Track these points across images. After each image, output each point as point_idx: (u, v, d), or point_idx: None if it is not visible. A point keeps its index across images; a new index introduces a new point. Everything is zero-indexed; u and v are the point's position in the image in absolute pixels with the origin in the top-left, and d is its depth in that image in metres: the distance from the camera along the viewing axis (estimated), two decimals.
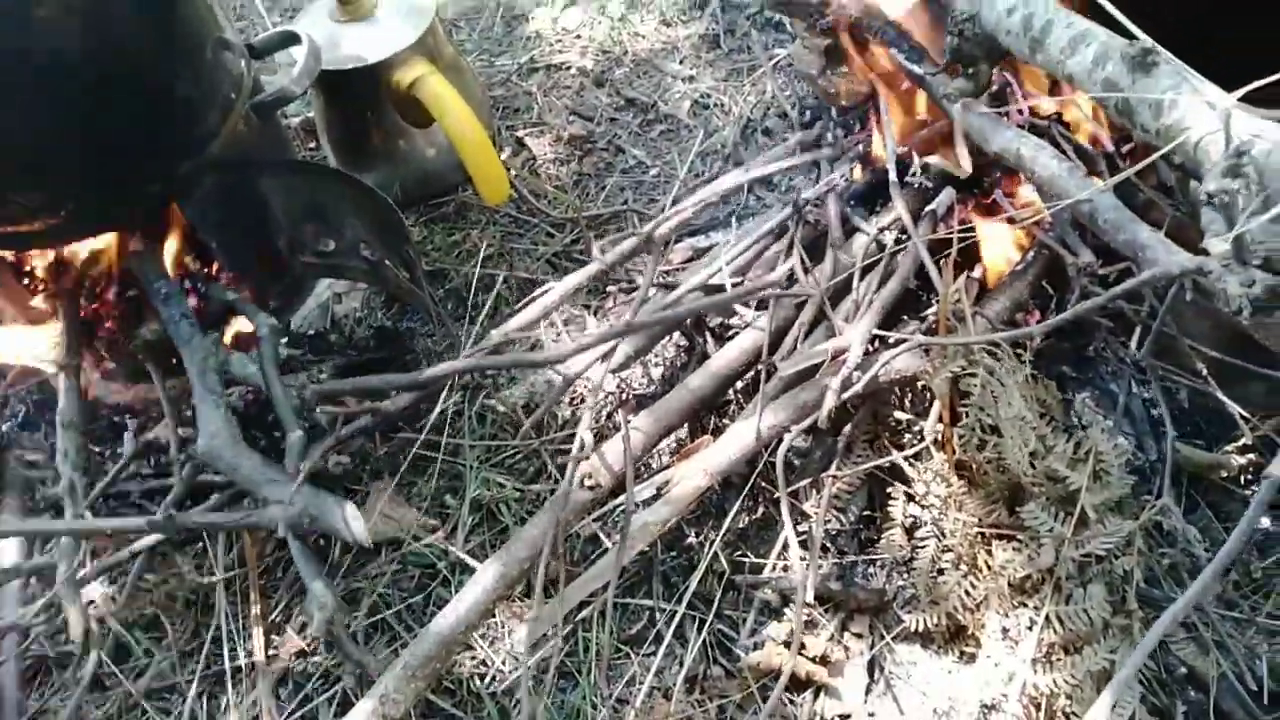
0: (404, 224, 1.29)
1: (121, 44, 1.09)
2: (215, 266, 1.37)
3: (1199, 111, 0.87)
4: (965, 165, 1.13)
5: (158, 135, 1.17)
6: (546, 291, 1.32)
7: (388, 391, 1.24)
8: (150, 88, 1.14)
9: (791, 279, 1.23)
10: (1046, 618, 0.97)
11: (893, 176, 1.27)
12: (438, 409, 1.41)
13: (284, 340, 1.40)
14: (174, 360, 1.24)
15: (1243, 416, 1.02)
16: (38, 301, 1.31)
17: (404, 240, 1.30)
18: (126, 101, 1.11)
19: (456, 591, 1.07)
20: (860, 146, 1.38)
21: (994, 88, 1.18)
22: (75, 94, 1.05)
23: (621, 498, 1.15)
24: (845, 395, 1.07)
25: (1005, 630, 1.01)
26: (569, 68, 1.97)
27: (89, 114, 1.08)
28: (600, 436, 1.23)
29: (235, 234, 1.33)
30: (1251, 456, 1.12)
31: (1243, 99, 0.82)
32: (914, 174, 1.27)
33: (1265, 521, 1.13)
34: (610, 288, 1.52)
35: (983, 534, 1.06)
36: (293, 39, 1.40)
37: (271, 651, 1.21)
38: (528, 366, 1.31)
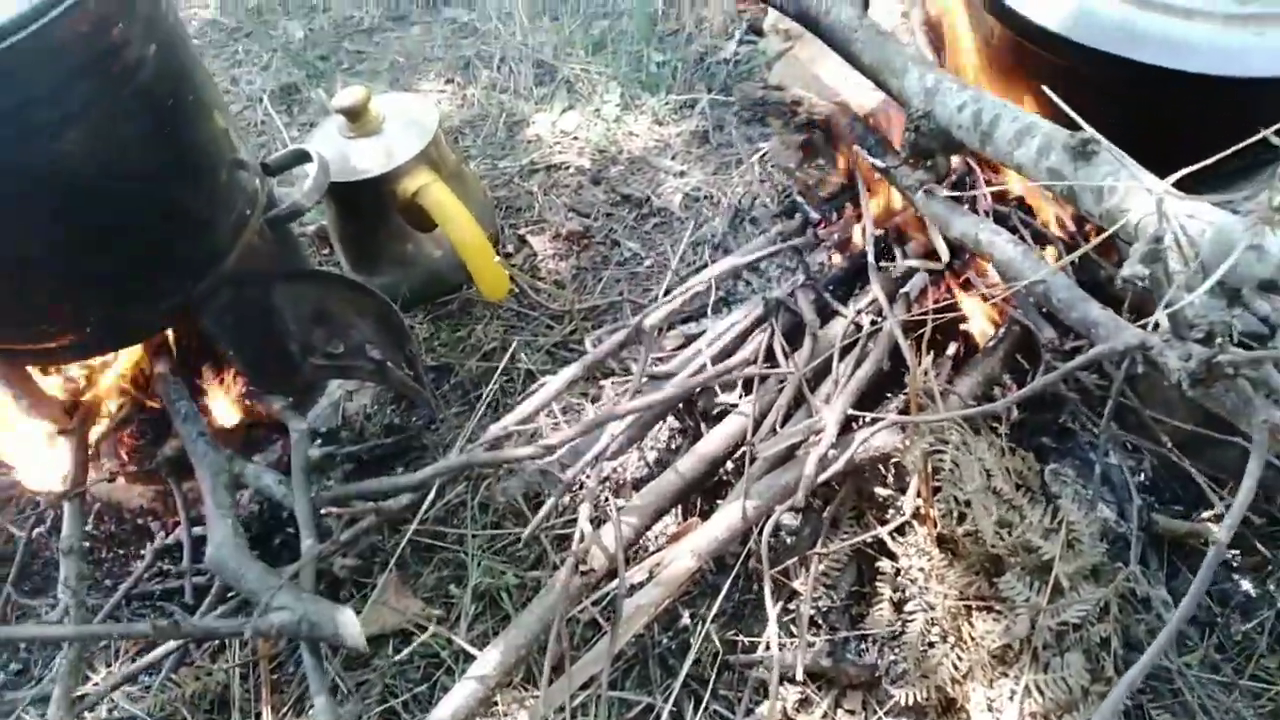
0: (405, 324, 1.37)
1: (139, 169, 1.16)
2: (232, 373, 1.45)
3: (1136, 195, 0.93)
4: (943, 253, 1.19)
5: (175, 253, 1.25)
6: (543, 385, 1.38)
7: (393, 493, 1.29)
8: (167, 209, 1.21)
9: (771, 362, 1.29)
10: (1026, 687, 0.99)
11: (870, 260, 1.33)
12: (443, 500, 1.46)
13: (317, 442, 1.47)
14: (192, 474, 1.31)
15: (1212, 485, 1.05)
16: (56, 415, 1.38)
17: (405, 339, 1.38)
18: (144, 223, 1.19)
19: (460, 680, 1.10)
20: (837, 235, 1.45)
21: (954, 176, 1.25)
22: (95, 218, 1.12)
23: (616, 581, 1.19)
24: (824, 475, 1.11)
25: (990, 701, 1.03)
26: (568, 167, 2.07)
27: (109, 236, 1.15)
28: (597, 521, 1.28)
29: (251, 342, 1.41)
30: (1214, 529, 1.15)
31: (1176, 184, 0.89)
32: (900, 251, 1.33)
33: (1247, 585, 1.15)
34: (605, 381, 1.58)
35: (966, 606, 1.08)
36: (304, 157, 1.50)
37: None
38: (518, 460, 1.36)
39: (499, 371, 1.63)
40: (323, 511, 1.22)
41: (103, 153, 1.09)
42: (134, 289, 1.23)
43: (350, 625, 1.02)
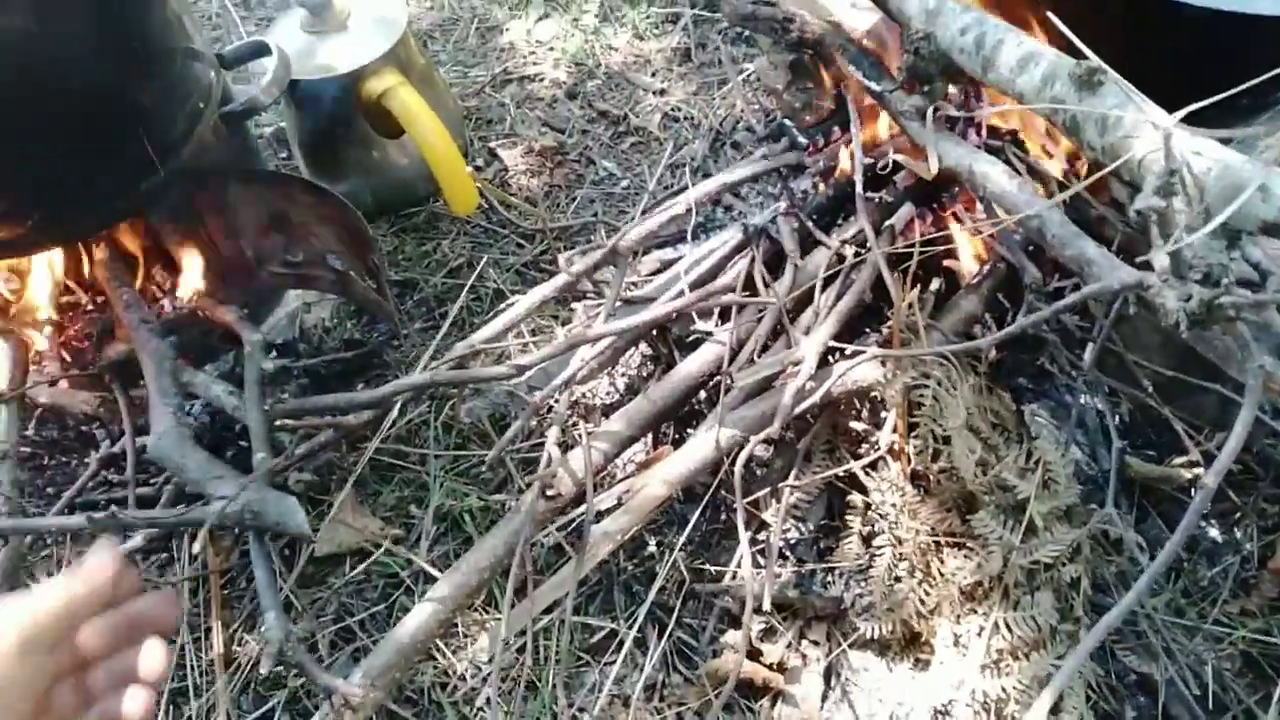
0: (369, 232, 1.30)
1: (86, 54, 1.09)
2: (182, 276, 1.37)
3: (1142, 130, 0.89)
4: (934, 166, 1.14)
5: (124, 145, 1.17)
6: (512, 305, 1.33)
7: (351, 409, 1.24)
8: (116, 98, 1.14)
9: (751, 290, 1.25)
10: (995, 624, 0.98)
11: (859, 189, 1.29)
12: (405, 419, 1.42)
13: (271, 354, 1.41)
14: (139, 380, 1.24)
15: (1189, 431, 1.04)
16: None
17: (369, 248, 1.31)
18: (91, 112, 1.12)
19: (420, 601, 1.08)
20: (823, 162, 1.40)
21: (952, 102, 1.20)
22: (39, 105, 1.05)
23: (583, 507, 1.16)
24: (801, 406, 1.08)
25: (956, 637, 1.03)
26: (542, 79, 1.98)
27: (53, 125, 1.08)
28: (565, 446, 1.25)
29: (202, 244, 1.34)
30: (1199, 470, 1.15)
31: (1185, 119, 0.85)
32: (883, 168, 1.29)
33: (1214, 532, 1.15)
34: (576, 304, 1.54)
35: (936, 542, 1.08)
36: (263, 50, 1.41)
37: (232, 658, 1.21)
38: (485, 380, 1.32)
39: (466, 289, 1.57)
40: (277, 424, 1.17)
41: (43, 37, 1.02)
42: (79, 183, 1.15)
43: (294, 513, 0.98)
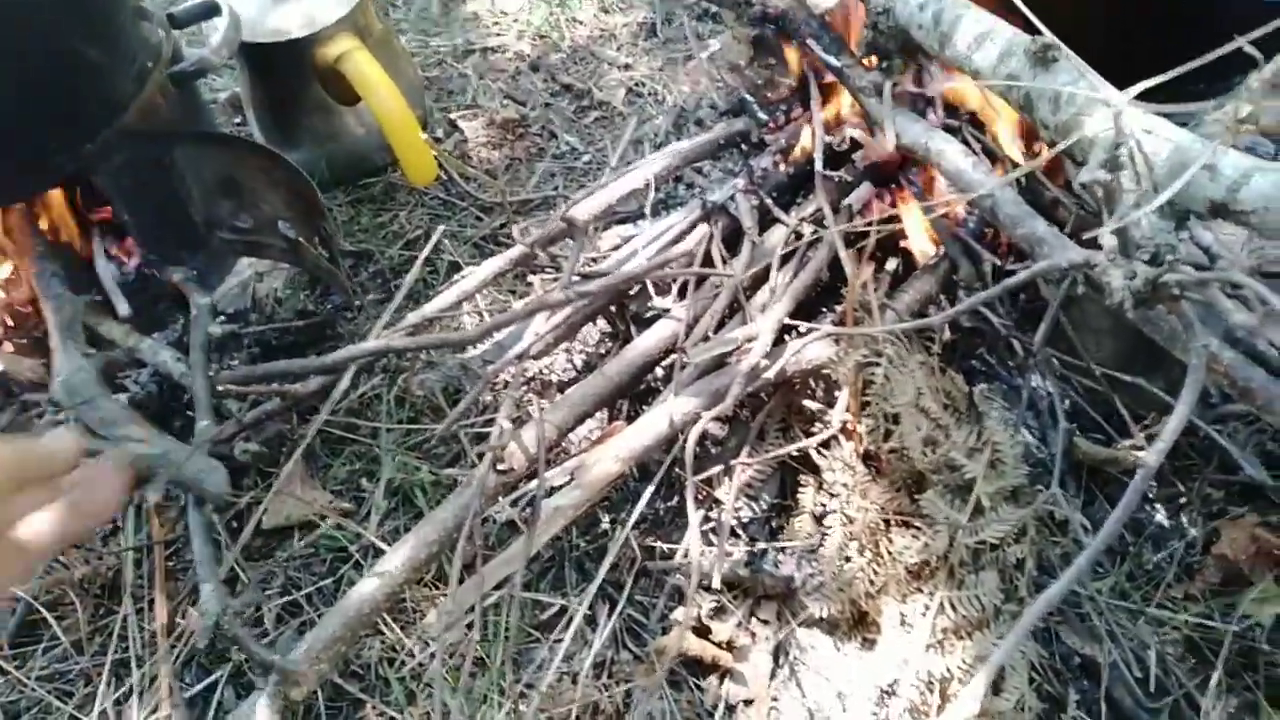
0: (320, 199, 1.27)
1: (28, 6, 1.05)
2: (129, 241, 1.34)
3: (1094, 108, 0.89)
4: (890, 143, 1.13)
5: (68, 103, 1.14)
6: (468, 275, 1.31)
7: (301, 375, 1.22)
8: (59, 54, 1.10)
9: (708, 265, 1.24)
10: (941, 604, 0.99)
11: (818, 167, 1.28)
12: (357, 392, 1.39)
13: (219, 319, 1.38)
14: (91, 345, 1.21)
15: (1135, 416, 1.05)
16: None
17: (320, 216, 1.28)
18: (34, 68, 1.08)
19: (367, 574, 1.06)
20: (784, 140, 1.39)
21: (908, 77, 1.19)
22: None
23: (535, 482, 1.15)
24: (754, 383, 1.08)
25: (902, 616, 1.03)
26: (505, 51, 1.95)
27: None
28: (519, 421, 1.23)
29: (149, 207, 1.30)
30: (1140, 454, 1.16)
31: (1137, 98, 0.85)
32: (841, 143, 1.28)
33: (1160, 517, 1.17)
34: (533, 278, 1.52)
35: (886, 521, 1.08)
36: (214, 10, 1.38)
37: (175, 629, 1.19)
38: (440, 347, 1.30)
39: (421, 261, 1.54)
40: (224, 392, 1.14)
41: None
42: (20, 140, 1.12)
43: (217, 474, 0.96)
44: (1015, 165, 1.18)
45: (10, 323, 1.35)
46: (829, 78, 1.33)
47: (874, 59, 1.18)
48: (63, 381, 1.04)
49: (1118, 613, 1.09)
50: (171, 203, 1.32)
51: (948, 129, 1.19)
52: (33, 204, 1.27)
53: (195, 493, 1.01)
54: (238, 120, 1.81)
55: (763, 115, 1.39)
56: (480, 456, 1.14)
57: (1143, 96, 0.82)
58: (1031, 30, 0.93)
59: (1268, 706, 1.01)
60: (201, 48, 1.59)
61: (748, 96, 1.40)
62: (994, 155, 1.21)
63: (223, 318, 1.43)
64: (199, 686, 1.16)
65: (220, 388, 1.12)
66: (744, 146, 1.42)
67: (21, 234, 1.21)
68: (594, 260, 1.50)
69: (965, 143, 1.12)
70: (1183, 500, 1.16)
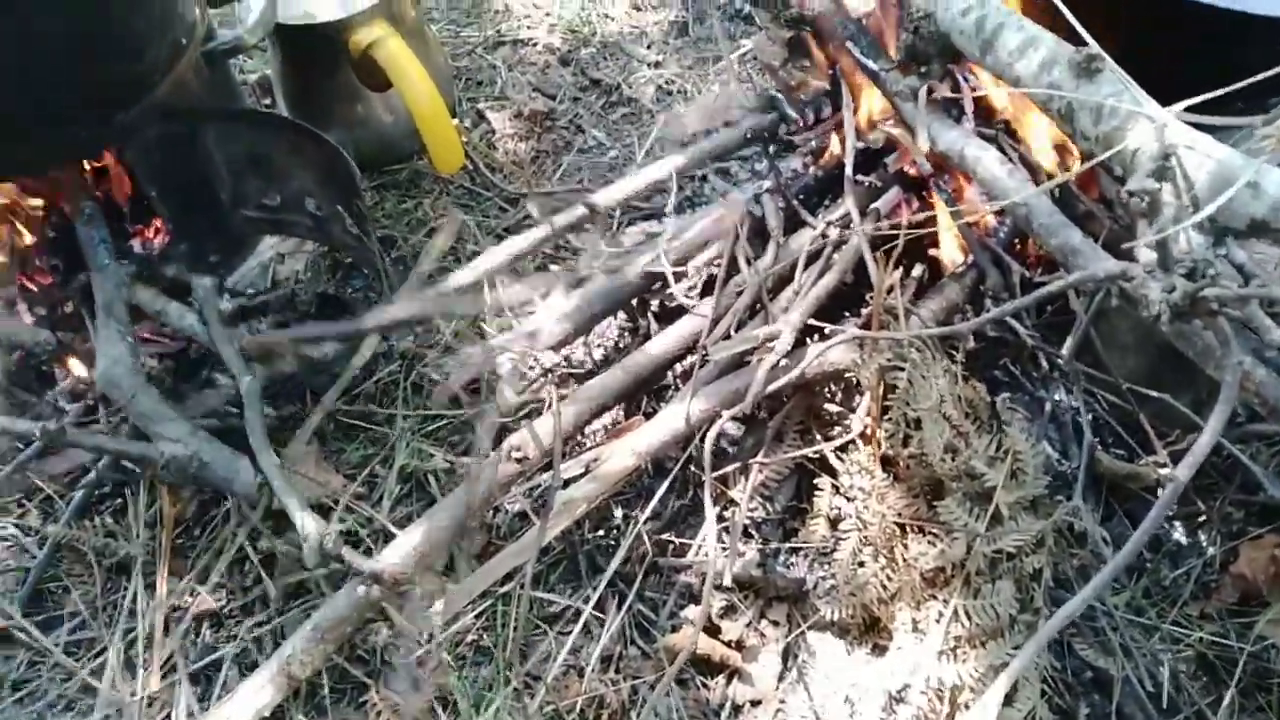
0: (355, 174, 1.27)
1: None
2: (155, 221, 1.34)
3: (1137, 121, 0.88)
4: (924, 147, 1.12)
5: (100, 76, 1.14)
6: (488, 254, 1.31)
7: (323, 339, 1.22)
8: (92, 25, 1.10)
9: (733, 268, 1.23)
10: (955, 612, 0.98)
11: (849, 171, 1.28)
12: (374, 378, 1.39)
13: (226, 295, 1.38)
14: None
15: (1159, 433, 1.04)
16: None
17: (354, 192, 1.28)
18: (65, 39, 1.08)
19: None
20: (814, 143, 1.39)
21: (945, 84, 1.19)
22: (11, 27, 1.01)
23: (550, 474, 1.15)
24: (775, 384, 1.07)
25: (915, 622, 1.02)
26: (536, 44, 1.95)
27: (27, 49, 1.04)
28: (537, 413, 1.23)
29: (176, 184, 1.30)
30: (1167, 470, 1.14)
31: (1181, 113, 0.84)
32: (875, 142, 1.27)
33: (1178, 534, 1.15)
34: (554, 267, 1.51)
35: (902, 526, 1.07)
36: None
37: (181, 609, 1.19)
38: (470, 314, 1.29)
39: (431, 236, 1.54)
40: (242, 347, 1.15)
41: None
42: (55, 111, 1.11)
43: (245, 473, 0.97)
44: (1051, 175, 1.17)
45: (33, 288, 1.35)
46: (861, 80, 1.33)
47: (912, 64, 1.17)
48: (101, 374, 1.04)
49: (1132, 628, 1.07)
50: (198, 180, 1.32)
51: (983, 137, 1.19)
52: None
53: (224, 491, 1.02)
54: (266, 102, 1.82)
55: (792, 113, 1.38)
56: (494, 444, 1.14)
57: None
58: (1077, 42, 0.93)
59: None
60: (235, 27, 1.60)
61: (778, 94, 1.40)
62: (1029, 164, 1.20)
63: (226, 295, 1.42)
64: (203, 662, 1.15)
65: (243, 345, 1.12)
66: (771, 148, 1.41)
67: (71, 197, 1.20)
68: (617, 257, 1.49)
69: (1001, 151, 1.11)
70: (1202, 518, 1.15)
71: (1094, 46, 0.91)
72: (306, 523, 0.98)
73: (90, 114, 1.15)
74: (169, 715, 1.11)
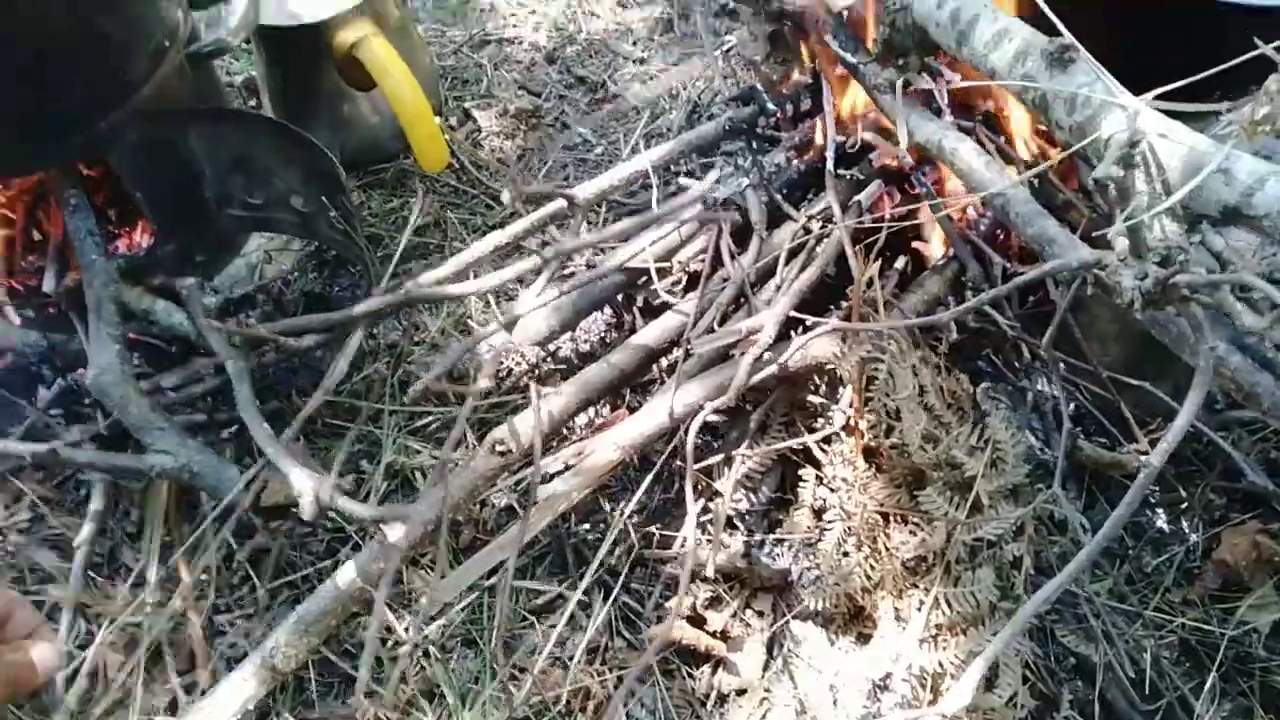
0: (340, 173, 1.27)
1: None
2: (141, 221, 1.35)
3: (1110, 110, 0.89)
4: (903, 140, 1.13)
5: (83, 79, 1.14)
6: (469, 248, 1.31)
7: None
8: (75, 29, 1.10)
9: (717, 262, 1.24)
10: (936, 599, 0.98)
11: (829, 165, 1.28)
12: (360, 375, 1.40)
13: (212, 291, 1.38)
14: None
15: (1140, 421, 1.05)
16: None
17: (339, 189, 1.28)
18: (51, 39, 1.08)
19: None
20: (797, 138, 1.39)
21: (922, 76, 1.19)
22: None
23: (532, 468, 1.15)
24: (757, 376, 1.08)
25: (898, 611, 1.03)
26: (521, 42, 1.96)
27: (8, 55, 1.05)
28: (522, 408, 1.23)
29: (161, 186, 1.31)
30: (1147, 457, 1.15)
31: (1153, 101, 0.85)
32: (852, 145, 1.28)
33: (1161, 522, 1.16)
34: (536, 259, 1.51)
35: (884, 515, 1.07)
36: None
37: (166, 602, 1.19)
38: (457, 298, 1.30)
39: (413, 221, 1.55)
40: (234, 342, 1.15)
41: None
42: (37, 115, 1.12)
43: (232, 482, 0.97)
44: (1029, 165, 1.18)
45: (19, 288, 1.35)
46: (842, 74, 1.33)
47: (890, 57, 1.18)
48: (91, 382, 1.04)
49: (1115, 615, 1.08)
50: (184, 181, 1.32)
51: (962, 129, 1.19)
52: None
53: (213, 498, 1.03)
54: (252, 103, 1.82)
55: (771, 105, 1.39)
56: (480, 440, 1.14)
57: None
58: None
59: (1262, 712, 1.01)
60: (219, 29, 1.60)
61: (758, 86, 1.40)
62: (1007, 156, 1.20)
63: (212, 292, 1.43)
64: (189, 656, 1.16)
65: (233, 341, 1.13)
66: (753, 143, 1.42)
67: (58, 191, 1.20)
68: (600, 250, 1.50)
69: (979, 142, 1.12)
70: (1184, 505, 1.16)
71: (1068, 37, 0.92)
72: (301, 478, 0.98)
73: (76, 117, 1.16)
74: (154, 708, 1.11)
